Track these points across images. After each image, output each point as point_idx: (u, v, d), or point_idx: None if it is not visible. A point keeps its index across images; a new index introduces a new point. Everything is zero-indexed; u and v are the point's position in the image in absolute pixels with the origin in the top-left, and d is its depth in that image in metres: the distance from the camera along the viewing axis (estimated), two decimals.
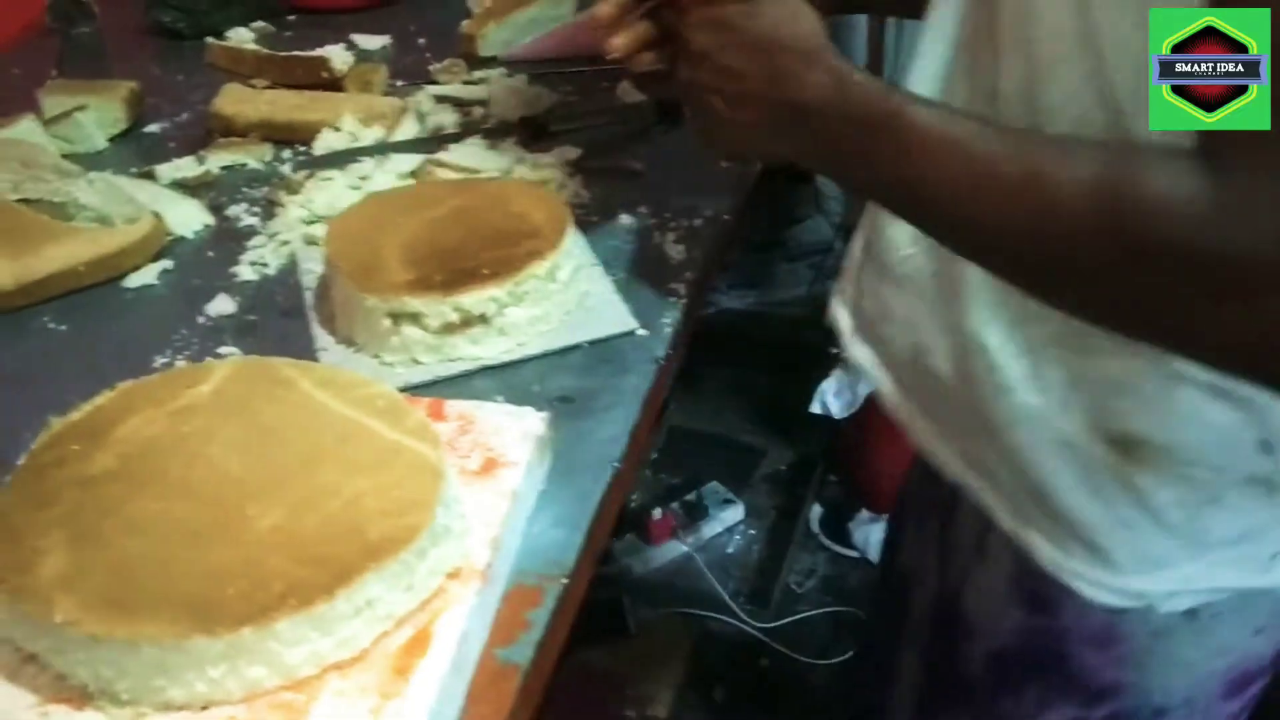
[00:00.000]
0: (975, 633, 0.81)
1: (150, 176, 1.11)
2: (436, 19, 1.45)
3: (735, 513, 2.00)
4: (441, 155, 1.07)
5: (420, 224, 0.88)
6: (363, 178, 1.06)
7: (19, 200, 0.98)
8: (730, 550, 1.96)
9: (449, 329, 0.82)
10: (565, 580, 0.66)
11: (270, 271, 0.97)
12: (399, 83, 1.29)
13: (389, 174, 1.06)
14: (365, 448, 0.65)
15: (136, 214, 0.98)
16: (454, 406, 0.75)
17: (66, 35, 1.37)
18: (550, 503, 0.72)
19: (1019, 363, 0.68)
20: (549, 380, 0.82)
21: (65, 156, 1.16)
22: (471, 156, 1.07)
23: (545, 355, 0.84)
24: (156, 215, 1.00)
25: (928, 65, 0.70)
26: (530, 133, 1.11)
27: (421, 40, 1.41)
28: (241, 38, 1.42)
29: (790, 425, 2.11)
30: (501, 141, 1.10)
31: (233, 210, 1.06)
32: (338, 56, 1.23)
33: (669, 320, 0.87)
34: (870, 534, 1.94)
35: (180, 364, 0.86)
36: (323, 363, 0.83)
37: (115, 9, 1.46)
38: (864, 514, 1.97)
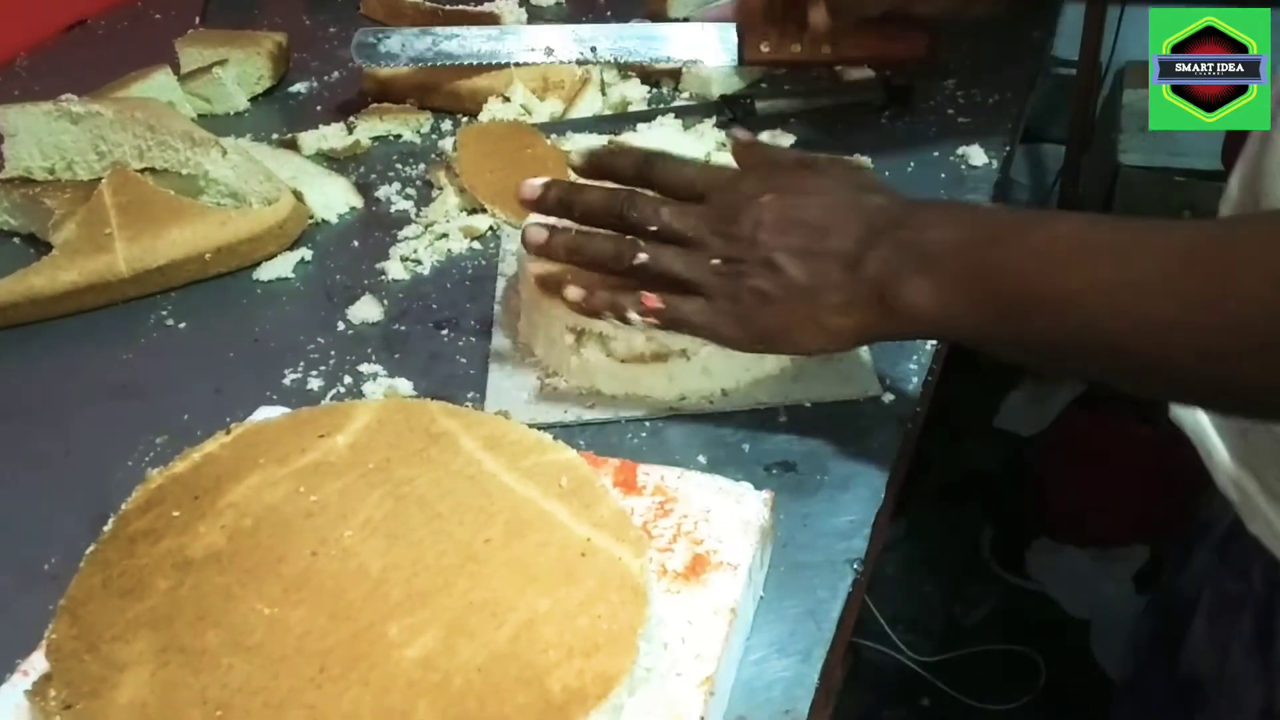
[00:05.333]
0: None
1: (292, 146, 0.97)
2: None
3: (895, 529, 1.81)
4: (627, 136, 0.90)
5: None
6: None
7: (143, 170, 0.85)
8: (889, 571, 1.78)
9: (639, 359, 0.66)
10: None
11: (424, 271, 0.81)
12: None
13: None
14: (545, 546, 0.49)
15: (274, 193, 0.83)
16: (650, 474, 0.58)
17: None
18: (770, 617, 0.54)
19: None
20: (762, 439, 0.64)
21: (202, 118, 1.04)
22: (663, 139, 0.89)
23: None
24: (297, 195, 0.85)
25: None
26: (733, 114, 0.93)
27: None
28: None
29: (964, 436, 1.92)
30: (699, 123, 0.93)
31: (383, 191, 0.91)
32: (509, 12, 1.08)
33: (915, 365, 0.69)
34: (1051, 565, 1.76)
35: (313, 381, 0.71)
36: (491, 372, 0.70)
37: None
38: (1044, 541, 1.78)
